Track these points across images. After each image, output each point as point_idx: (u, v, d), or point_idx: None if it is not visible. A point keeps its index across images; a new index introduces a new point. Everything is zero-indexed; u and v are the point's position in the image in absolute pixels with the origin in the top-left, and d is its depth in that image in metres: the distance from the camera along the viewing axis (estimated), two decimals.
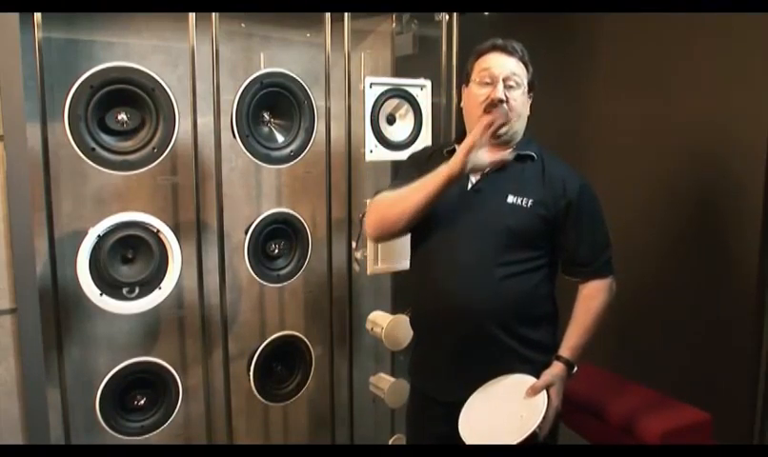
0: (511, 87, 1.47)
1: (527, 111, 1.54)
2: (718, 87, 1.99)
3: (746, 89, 1.91)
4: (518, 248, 1.46)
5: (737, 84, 1.93)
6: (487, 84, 1.48)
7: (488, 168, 1.47)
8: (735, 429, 1.90)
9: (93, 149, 1.61)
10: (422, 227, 1.57)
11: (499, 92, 1.45)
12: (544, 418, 1.35)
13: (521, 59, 1.49)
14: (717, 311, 2.00)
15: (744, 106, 1.91)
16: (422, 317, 1.61)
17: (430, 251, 1.54)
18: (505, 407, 1.42)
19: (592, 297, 1.52)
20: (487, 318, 1.46)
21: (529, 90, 1.52)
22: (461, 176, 1.42)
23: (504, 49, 1.49)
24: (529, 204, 1.46)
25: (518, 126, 1.52)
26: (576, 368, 1.49)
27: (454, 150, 1.57)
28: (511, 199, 1.47)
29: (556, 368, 1.46)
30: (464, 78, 1.57)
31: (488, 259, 1.46)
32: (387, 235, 1.58)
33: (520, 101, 1.49)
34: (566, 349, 1.49)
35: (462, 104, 1.58)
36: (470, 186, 1.52)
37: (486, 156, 1.41)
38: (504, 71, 1.47)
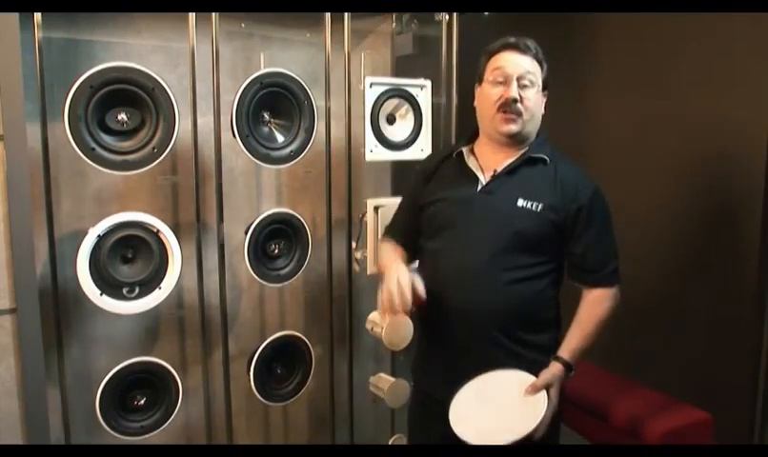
0: (525, 86, 1.45)
1: (541, 111, 1.51)
2: (718, 87, 1.99)
3: (746, 89, 1.90)
4: (526, 252, 1.45)
5: (738, 84, 1.93)
6: (500, 83, 1.46)
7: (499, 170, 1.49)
8: (735, 429, 1.90)
9: (93, 149, 1.61)
10: (430, 226, 1.56)
11: (513, 91, 1.43)
12: (543, 417, 1.35)
13: (535, 57, 1.47)
14: (718, 311, 2.00)
15: (744, 106, 1.91)
16: (427, 316, 1.60)
17: (438, 251, 1.53)
18: (501, 403, 1.41)
19: (597, 303, 1.50)
20: (490, 322, 1.46)
21: (543, 89, 1.50)
22: None
23: (517, 48, 1.46)
24: (539, 208, 1.44)
25: (531, 126, 1.49)
26: (573, 371, 1.48)
27: (461, 154, 1.56)
28: (521, 202, 1.45)
29: (555, 369, 1.45)
30: (477, 78, 1.54)
31: (495, 262, 1.45)
32: None
33: (534, 100, 1.46)
34: (566, 351, 1.47)
35: (475, 103, 1.55)
36: (479, 187, 1.50)
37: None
38: (518, 70, 1.44)
